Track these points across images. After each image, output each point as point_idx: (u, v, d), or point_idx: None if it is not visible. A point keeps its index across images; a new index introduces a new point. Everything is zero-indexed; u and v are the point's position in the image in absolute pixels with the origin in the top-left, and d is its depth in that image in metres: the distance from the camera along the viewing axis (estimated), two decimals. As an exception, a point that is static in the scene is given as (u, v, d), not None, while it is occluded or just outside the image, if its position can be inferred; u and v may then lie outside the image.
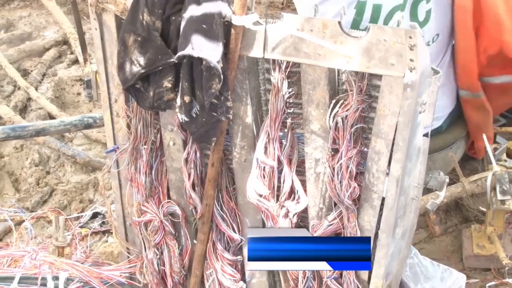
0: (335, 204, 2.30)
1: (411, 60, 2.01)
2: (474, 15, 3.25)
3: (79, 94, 4.39)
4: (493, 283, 3.11)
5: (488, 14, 3.26)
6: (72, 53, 4.74)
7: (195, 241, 2.64)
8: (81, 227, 3.27)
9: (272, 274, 2.62)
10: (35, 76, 4.57)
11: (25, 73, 4.56)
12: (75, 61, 4.63)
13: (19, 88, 4.40)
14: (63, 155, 3.96)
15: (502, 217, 3.19)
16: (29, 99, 4.32)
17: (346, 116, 2.17)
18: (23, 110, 4.26)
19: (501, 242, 3.17)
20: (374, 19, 2.94)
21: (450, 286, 2.63)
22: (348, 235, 2.31)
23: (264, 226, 2.47)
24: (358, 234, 2.30)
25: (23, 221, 3.21)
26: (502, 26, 3.27)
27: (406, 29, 1.99)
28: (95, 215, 3.49)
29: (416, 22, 2.97)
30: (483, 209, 3.19)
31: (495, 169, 3.15)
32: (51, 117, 4.14)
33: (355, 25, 2.90)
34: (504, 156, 3.40)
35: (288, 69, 2.24)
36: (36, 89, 4.39)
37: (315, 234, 2.35)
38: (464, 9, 3.23)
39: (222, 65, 2.18)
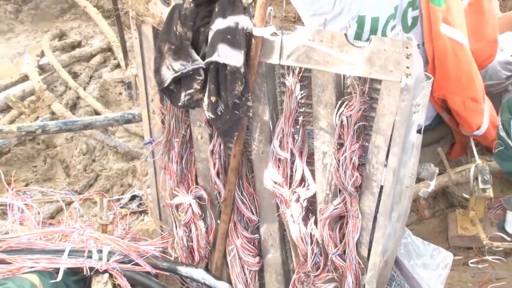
0: (340, 191, 2.29)
1: (407, 67, 2.00)
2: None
3: (120, 93, 4.39)
4: (474, 260, 3.11)
5: (438, 62, 3.16)
6: (115, 58, 4.73)
7: (218, 221, 2.65)
8: (122, 207, 3.27)
9: (284, 250, 2.62)
10: (83, 78, 4.58)
11: (75, 76, 4.56)
12: (117, 66, 4.63)
13: (70, 88, 4.40)
14: (106, 146, 3.96)
15: (483, 203, 3.18)
16: (78, 97, 4.32)
17: (350, 115, 2.16)
18: (73, 107, 4.26)
19: (481, 225, 3.17)
20: (373, 30, 2.92)
21: (439, 263, 2.61)
22: (351, 218, 2.30)
23: (278, 209, 2.46)
24: (360, 217, 2.29)
25: (73, 202, 3.21)
26: (448, 78, 3.17)
27: (403, 40, 1.99)
28: (133, 198, 3.49)
29: (405, 27, 2.97)
30: (467, 196, 3.18)
31: (478, 162, 3.14)
32: (97, 113, 4.14)
33: (357, 37, 2.88)
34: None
35: (301, 74, 2.22)
36: (84, 89, 4.40)
37: (322, 217, 2.34)
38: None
39: (244, 70, 2.18)
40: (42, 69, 4.61)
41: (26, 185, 3.63)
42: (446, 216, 3.26)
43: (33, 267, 2.53)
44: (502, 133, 2.80)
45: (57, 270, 2.53)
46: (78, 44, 5.00)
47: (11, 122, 4.16)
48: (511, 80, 3.64)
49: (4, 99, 4.33)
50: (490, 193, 3.10)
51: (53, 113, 4.14)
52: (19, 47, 5.03)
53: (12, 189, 2.94)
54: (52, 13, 5.43)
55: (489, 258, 3.11)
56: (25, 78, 4.53)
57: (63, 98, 4.33)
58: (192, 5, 2.29)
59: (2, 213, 3.12)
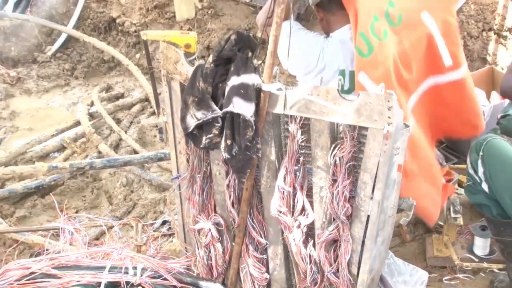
0: (334, 219, 2.28)
1: (389, 117, 2.02)
2: None
3: (155, 136, 4.40)
4: (448, 277, 3.08)
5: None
6: (151, 107, 4.76)
7: (233, 243, 2.62)
8: (154, 231, 3.26)
9: (288, 268, 2.59)
10: (125, 123, 4.59)
11: (118, 121, 4.58)
12: (153, 113, 4.65)
13: (114, 132, 4.41)
14: (143, 179, 3.96)
15: (455, 230, 3.16)
16: (121, 139, 4.33)
17: (342, 156, 2.16)
18: (116, 147, 4.27)
19: (454, 248, 3.15)
20: (352, 81, 2.85)
21: (416, 280, 2.61)
22: (343, 242, 2.29)
23: (282, 234, 2.45)
24: (350, 241, 2.27)
25: (113, 226, 3.20)
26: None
27: (385, 95, 2.00)
28: (164, 222, 3.48)
29: None
30: (441, 223, 3.15)
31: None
32: (135, 152, 4.15)
33: (341, 87, 2.82)
34: (456, 186, 3.38)
35: (301, 122, 2.23)
36: (126, 132, 4.41)
37: (319, 241, 2.32)
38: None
39: (254, 119, 2.19)
40: (91, 116, 4.64)
41: (76, 212, 3.63)
42: (425, 240, 3.24)
43: (79, 281, 2.53)
44: (471, 171, 2.79)
45: (99, 284, 2.52)
46: (121, 95, 5.03)
47: (65, 159, 4.18)
48: (478, 128, 3.61)
49: (61, 140, 4.35)
50: (460, 221, 3.07)
51: (99, 152, 4.16)
52: (73, 98, 5.07)
53: (65, 215, 2.94)
54: (101, 70, 5.47)
55: (460, 276, 3.08)
56: (77, 123, 4.55)
57: (108, 140, 4.34)
58: (212, 65, 2.31)
59: (56, 235, 3.11)
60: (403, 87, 2.76)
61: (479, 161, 2.69)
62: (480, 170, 2.69)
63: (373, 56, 2.65)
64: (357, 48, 2.68)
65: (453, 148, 3.77)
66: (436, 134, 3.12)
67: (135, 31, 5.50)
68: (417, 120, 2.86)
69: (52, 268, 2.57)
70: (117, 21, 5.58)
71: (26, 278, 2.51)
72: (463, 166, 3.58)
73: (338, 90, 2.11)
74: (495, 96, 4.00)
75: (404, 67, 2.75)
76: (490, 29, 4.92)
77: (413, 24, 2.77)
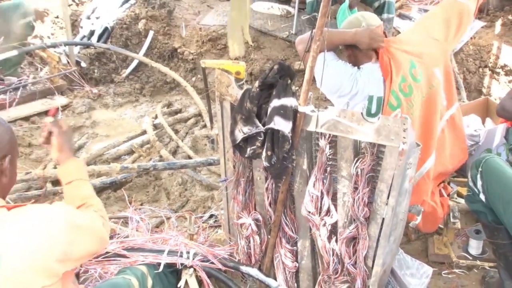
0: (354, 220, 2.24)
1: (404, 137, 1.99)
2: None
3: (205, 145, 4.40)
4: (446, 271, 3.02)
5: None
6: (203, 121, 4.76)
7: (269, 236, 2.60)
8: (203, 222, 3.25)
9: (314, 259, 2.55)
10: (181, 133, 4.60)
11: (176, 132, 4.59)
12: (204, 126, 4.65)
13: (172, 140, 4.42)
14: (195, 180, 3.96)
15: (453, 232, 3.11)
16: (178, 147, 4.34)
17: (363, 168, 2.13)
18: (174, 153, 4.28)
19: (451, 247, 3.09)
20: (378, 105, 2.83)
21: (422, 274, 2.56)
22: (361, 239, 2.25)
23: (310, 230, 2.42)
24: (367, 239, 2.24)
25: (171, 217, 3.19)
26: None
27: (401, 119, 1.97)
28: (211, 216, 3.47)
29: None
30: (441, 226, 3.09)
31: (450, 203, 3.08)
32: (189, 157, 4.15)
33: (368, 110, 2.80)
34: (455, 196, 3.33)
35: (330, 138, 2.20)
36: (182, 141, 4.41)
37: (341, 237, 2.29)
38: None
39: (290, 134, 2.17)
40: (155, 126, 4.65)
41: (141, 204, 3.64)
42: (427, 240, 3.18)
43: (143, 261, 2.53)
44: (471, 184, 2.76)
45: (159, 264, 2.52)
46: (179, 111, 5.04)
47: (134, 161, 4.20)
48: (474, 147, 3.56)
49: (130, 146, 4.37)
50: (458, 225, 3.02)
51: (161, 156, 4.17)
52: (141, 112, 5.10)
53: (132, 207, 2.96)
54: (164, 90, 5.51)
55: (456, 271, 3.02)
56: (144, 132, 4.57)
57: (168, 146, 4.35)
58: (257, 89, 2.29)
59: (125, 223, 3.12)
60: None
61: (478, 176, 2.68)
62: (479, 183, 2.68)
63: (400, 108, 2.71)
64: (389, 103, 2.74)
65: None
66: None
67: (192, 59, 5.53)
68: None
69: (122, 249, 2.59)
70: (178, 50, 5.62)
71: (102, 256, 2.55)
72: (462, 179, 3.53)
73: (362, 113, 2.08)
74: (489, 122, 3.95)
75: (425, 112, 2.85)
76: (485, 66, 4.85)
77: (430, 78, 2.85)
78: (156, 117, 4.79)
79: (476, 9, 3.13)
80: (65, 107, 4.92)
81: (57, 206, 1.80)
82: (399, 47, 2.86)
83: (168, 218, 3.24)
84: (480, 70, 4.86)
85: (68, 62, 5.42)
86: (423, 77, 2.82)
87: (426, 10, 5.12)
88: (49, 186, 3.74)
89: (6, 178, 1.81)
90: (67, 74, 5.19)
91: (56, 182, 3.80)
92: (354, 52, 2.92)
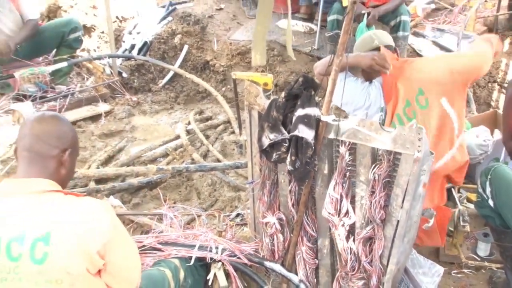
0: (371, 221, 2.21)
1: (419, 146, 1.97)
2: None
3: (233, 149, 4.38)
4: (455, 271, 2.98)
5: None
6: (231, 128, 4.74)
7: (291, 235, 2.58)
8: (230, 220, 3.24)
9: (333, 256, 2.53)
10: (212, 139, 4.59)
11: (207, 137, 4.58)
12: (232, 132, 4.64)
13: (203, 145, 4.42)
14: (223, 181, 3.95)
15: (462, 235, 3.06)
16: (208, 151, 4.34)
17: (380, 174, 2.12)
18: (205, 156, 4.28)
19: (461, 249, 3.04)
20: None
21: (434, 273, 2.52)
22: (377, 239, 2.23)
23: (330, 230, 2.39)
24: (383, 239, 2.21)
25: (201, 215, 3.19)
26: None
27: (416, 129, 1.95)
28: (238, 215, 3.46)
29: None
30: (452, 229, 3.04)
31: (460, 208, 3.04)
32: (219, 161, 4.14)
33: (383, 121, 2.79)
34: (465, 201, 3.29)
35: (349, 146, 2.18)
36: (212, 145, 4.41)
37: (358, 237, 2.26)
38: None
39: (313, 141, 2.16)
40: (188, 132, 4.66)
41: (174, 202, 3.65)
42: (438, 241, 3.14)
43: (176, 255, 2.54)
44: (480, 190, 2.73)
45: (190, 258, 2.52)
46: (210, 118, 5.04)
47: (168, 163, 4.21)
48: (483, 156, 3.51)
49: (165, 149, 4.38)
50: (467, 228, 2.98)
51: (192, 159, 4.17)
52: (175, 118, 5.11)
53: (167, 205, 2.96)
54: (196, 99, 5.52)
55: (465, 271, 2.98)
56: (177, 137, 4.58)
57: (199, 150, 4.35)
58: (283, 100, 2.29)
59: (159, 219, 3.13)
60: None
61: (487, 183, 2.65)
62: (488, 189, 2.65)
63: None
64: (393, 124, 2.68)
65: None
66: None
67: (223, 71, 5.54)
68: None
69: (157, 243, 2.59)
70: (210, 63, 5.63)
71: (139, 250, 2.54)
72: (471, 186, 3.48)
73: (379, 123, 2.06)
74: (497, 132, 3.89)
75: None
76: (494, 81, 4.78)
77: (435, 106, 2.70)
78: (189, 123, 4.80)
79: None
80: (107, 113, 4.95)
81: (107, 207, 1.81)
82: (410, 73, 2.73)
83: (199, 216, 3.24)
84: (489, 84, 4.79)
85: (111, 73, 5.48)
86: (429, 105, 2.70)
87: (439, 29, 5.05)
88: (92, 184, 3.76)
89: (65, 170, 1.85)
90: (110, 83, 5.24)
91: (99, 181, 3.83)
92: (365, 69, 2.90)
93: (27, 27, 4.72)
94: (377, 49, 2.85)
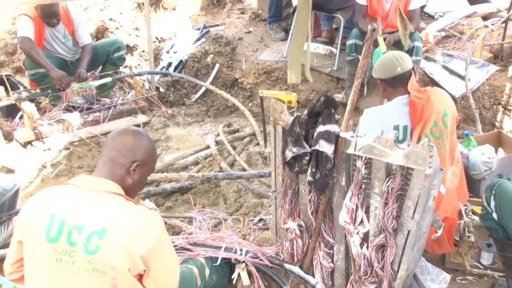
0: (383, 230, 2.18)
1: (430, 162, 1.93)
2: None
3: (257, 159, 4.37)
4: (460, 277, 2.91)
5: None
6: (256, 140, 4.73)
7: (310, 240, 2.56)
8: (254, 225, 3.21)
9: (347, 261, 2.50)
10: (238, 149, 4.59)
11: (234, 148, 4.58)
12: (257, 144, 4.63)
13: (230, 155, 4.42)
14: (248, 188, 3.94)
15: (467, 244, 2.99)
16: (235, 160, 4.33)
17: (393, 187, 2.09)
18: (231, 165, 4.27)
19: (466, 257, 2.97)
20: (405, 133, 2.77)
21: (441, 280, 2.47)
22: (389, 247, 2.20)
23: (345, 237, 2.37)
24: (394, 247, 2.18)
25: (227, 219, 3.18)
26: None
27: (427, 147, 1.93)
28: (260, 220, 3.43)
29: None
30: (457, 239, 2.98)
31: (465, 219, 2.97)
32: (244, 170, 4.13)
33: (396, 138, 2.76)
34: (470, 213, 3.22)
35: (365, 160, 2.15)
36: (238, 155, 4.40)
37: (372, 244, 2.23)
38: None
39: (333, 155, 2.14)
40: (217, 143, 4.66)
41: (203, 207, 3.64)
42: (445, 250, 3.08)
43: (204, 255, 2.53)
44: (485, 204, 2.69)
45: (217, 258, 2.51)
46: (237, 130, 5.03)
47: (198, 171, 4.22)
48: (487, 172, 3.45)
49: (196, 158, 4.39)
50: (472, 239, 2.91)
51: (220, 168, 4.17)
52: (206, 130, 5.13)
53: (196, 209, 2.96)
54: (225, 113, 5.53)
55: (469, 278, 2.90)
56: (207, 147, 4.58)
57: (226, 160, 4.34)
58: (306, 116, 2.27)
59: (189, 222, 3.13)
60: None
61: (492, 197, 2.61)
62: (492, 204, 2.61)
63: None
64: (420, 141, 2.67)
65: (468, 186, 3.57)
66: None
67: (250, 88, 5.55)
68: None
69: (187, 244, 2.59)
70: (238, 80, 5.64)
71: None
72: (475, 199, 3.42)
73: (394, 140, 2.04)
74: (501, 151, 3.82)
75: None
76: (499, 104, 4.69)
77: (454, 127, 2.79)
78: (218, 134, 4.81)
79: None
80: (145, 124, 4.99)
81: (158, 218, 1.83)
82: (436, 99, 2.75)
83: (225, 220, 3.23)
84: (494, 106, 4.71)
85: (150, 88, 5.52)
86: (449, 128, 2.73)
87: (448, 55, 4.99)
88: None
89: (131, 180, 1.88)
90: (149, 97, 5.28)
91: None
92: (387, 87, 2.88)
93: (86, 51, 4.88)
94: (400, 75, 2.81)
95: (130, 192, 1.88)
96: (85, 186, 1.79)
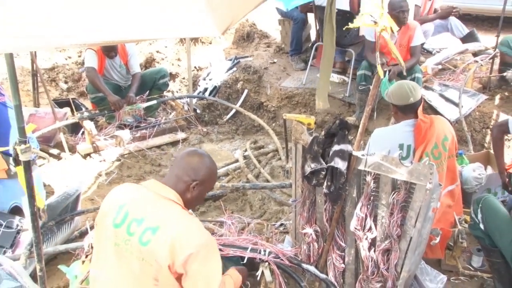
0: (389, 237, 2.15)
1: (430, 179, 1.90)
2: None
3: (279, 172, 4.34)
4: (454, 277, 2.85)
5: None
6: (278, 155, 4.71)
7: (324, 244, 2.53)
8: (276, 229, 3.19)
9: (357, 262, 2.46)
10: (263, 163, 4.58)
11: (259, 162, 4.57)
12: (279, 159, 4.61)
13: (256, 168, 4.41)
14: (270, 197, 3.92)
15: (460, 249, 2.92)
16: (260, 173, 4.32)
17: (398, 199, 2.06)
18: (257, 177, 4.26)
19: (458, 260, 2.91)
20: (408, 151, 2.75)
21: (438, 280, 2.42)
22: (393, 251, 2.16)
23: (355, 241, 2.33)
24: (398, 251, 2.14)
25: (250, 223, 3.16)
26: None
27: (428, 165, 1.90)
28: (281, 225, 3.41)
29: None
30: (451, 244, 2.91)
31: (459, 227, 2.91)
32: (268, 181, 4.12)
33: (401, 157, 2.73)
34: (463, 222, 3.14)
35: (374, 175, 2.13)
36: (263, 168, 4.39)
37: (378, 249, 2.20)
38: None
39: (346, 171, 2.12)
40: (244, 157, 4.65)
41: (232, 212, 3.63)
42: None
43: (232, 254, 2.51)
44: (473, 215, 2.65)
45: (243, 258, 2.49)
46: (262, 147, 5.02)
47: (228, 181, 4.22)
48: (478, 187, 3.36)
49: (226, 170, 4.39)
50: (464, 244, 2.85)
51: (247, 179, 4.16)
52: (235, 146, 5.13)
53: (226, 214, 2.95)
54: (252, 131, 5.53)
55: (462, 278, 2.84)
56: (236, 161, 4.58)
57: (253, 172, 4.34)
58: (323, 137, 2.27)
59: (220, 225, 3.12)
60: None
61: (479, 210, 2.58)
62: (479, 215, 2.58)
63: None
64: (421, 159, 2.64)
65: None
66: None
67: (273, 110, 5.55)
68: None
69: (219, 244, 2.58)
70: (264, 104, 5.65)
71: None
72: (468, 210, 3.33)
73: (399, 159, 2.01)
74: (489, 168, 3.75)
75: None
76: (487, 127, 4.60)
77: (453, 151, 2.79)
78: (245, 150, 4.81)
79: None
80: (184, 140, 5.03)
81: (211, 237, 1.79)
82: (439, 125, 2.77)
83: (249, 224, 3.21)
84: (484, 130, 4.63)
85: (188, 109, 5.57)
86: (447, 151, 2.72)
87: (444, 85, 4.94)
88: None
89: (190, 195, 1.86)
90: (187, 117, 5.34)
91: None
92: (398, 112, 2.86)
93: (136, 79, 4.99)
94: (412, 104, 2.79)
95: (188, 204, 1.88)
96: (152, 189, 1.82)
